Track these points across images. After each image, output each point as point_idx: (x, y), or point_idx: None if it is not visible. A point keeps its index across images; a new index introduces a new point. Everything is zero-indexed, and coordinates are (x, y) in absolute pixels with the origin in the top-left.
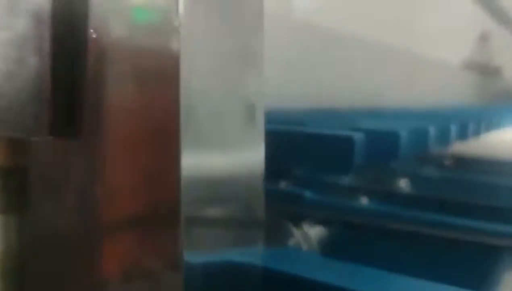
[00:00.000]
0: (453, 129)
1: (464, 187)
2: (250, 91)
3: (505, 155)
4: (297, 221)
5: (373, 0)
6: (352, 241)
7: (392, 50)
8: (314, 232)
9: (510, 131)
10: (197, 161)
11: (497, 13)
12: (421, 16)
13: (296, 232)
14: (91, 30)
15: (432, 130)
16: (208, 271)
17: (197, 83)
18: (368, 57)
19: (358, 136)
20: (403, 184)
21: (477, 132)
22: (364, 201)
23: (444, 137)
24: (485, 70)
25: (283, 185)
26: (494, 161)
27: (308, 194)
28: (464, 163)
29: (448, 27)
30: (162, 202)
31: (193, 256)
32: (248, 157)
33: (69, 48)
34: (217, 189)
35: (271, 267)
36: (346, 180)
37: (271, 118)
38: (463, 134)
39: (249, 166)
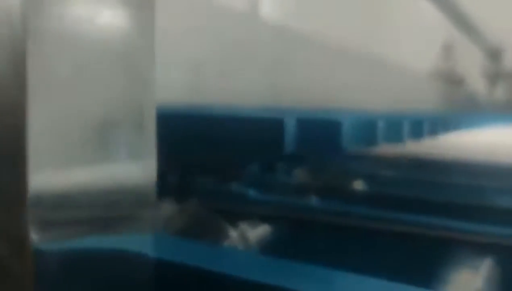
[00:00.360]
0: (405, 126)
1: (417, 185)
2: (135, 102)
3: (460, 156)
4: (237, 221)
5: (338, 4)
6: (296, 239)
7: (354, 54)
8: (254, 232)
9: (465, 134)
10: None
11: (461, 22)
12: (387, 23)
13: (233, 232)
14: None
15: (380, 124)
16: (74, 258)
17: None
18: (328, 60)
19: (289, 119)
20: (358, 184)
21: (433, 133)
22: (313, 199)
23: (394, 133)
24: (450, 79)
25: (231, 185)
26: (448, 162)
27: (253, 193)
28: (418, 163)
29: (414, 35)
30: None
31: (50, 245)
32: (134, 163)
33: None
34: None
35: (185, 261)
36: (297, 178)
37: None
38: (417, 133)
39: (133, 171)
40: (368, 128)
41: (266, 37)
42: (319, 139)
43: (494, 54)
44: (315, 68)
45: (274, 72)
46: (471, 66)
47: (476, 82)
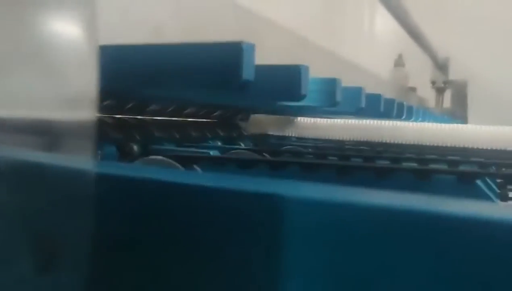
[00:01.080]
0: (363, 98)
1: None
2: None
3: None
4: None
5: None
6: None
7: (315, 46)
8: None
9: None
10: None
11: (413, 35)
12: (345, 28)
13: None
14: None
15: (340, 88)
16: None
17: None
18: (289, 46)
19: (248, 45)
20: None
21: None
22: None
23: (352, 103)
24: (402, 87)
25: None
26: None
27: (213, 152)
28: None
29: (369, 43)
30: None
31: None
32: None
33: None
34: None
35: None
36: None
37: None
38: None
39: None
40: (328, 89)
41: (231, 14)
42: (277, 82)
43: (441, 66)
44: (277, 50)
45: None
46: (422, 76)
47: (426, 91)
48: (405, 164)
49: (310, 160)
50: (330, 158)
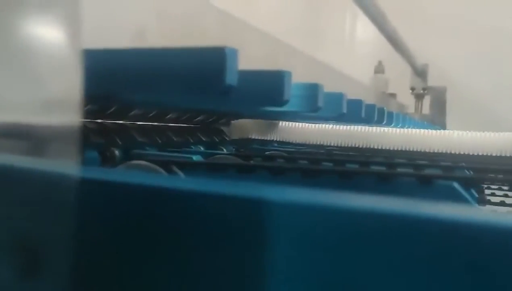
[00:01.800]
0: (344, 103)
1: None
2: None
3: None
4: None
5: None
6: None
7: (296, 51)
8: None
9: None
10: None
11: (393, 42)
12: (324, 35)
13: None
14: None
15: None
16: None
17: None
18: (271, 50)
19: (231, 50)
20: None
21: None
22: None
23: (333, 108)
24: (382, 94)
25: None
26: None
27: (196, 157)
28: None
29: (350, 50)
30: None
31: None
32: None
33: None
34: None
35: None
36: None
37: None
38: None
39: None
40: (310, 94)
41: (214, 19)
42: (261, 88)
43: (420, 72)
44: (257, 55)
45: None
46: (402, 82)
47: (406, 97)
48: (399, 169)
49: (280, 164)
50: (315, 163)
